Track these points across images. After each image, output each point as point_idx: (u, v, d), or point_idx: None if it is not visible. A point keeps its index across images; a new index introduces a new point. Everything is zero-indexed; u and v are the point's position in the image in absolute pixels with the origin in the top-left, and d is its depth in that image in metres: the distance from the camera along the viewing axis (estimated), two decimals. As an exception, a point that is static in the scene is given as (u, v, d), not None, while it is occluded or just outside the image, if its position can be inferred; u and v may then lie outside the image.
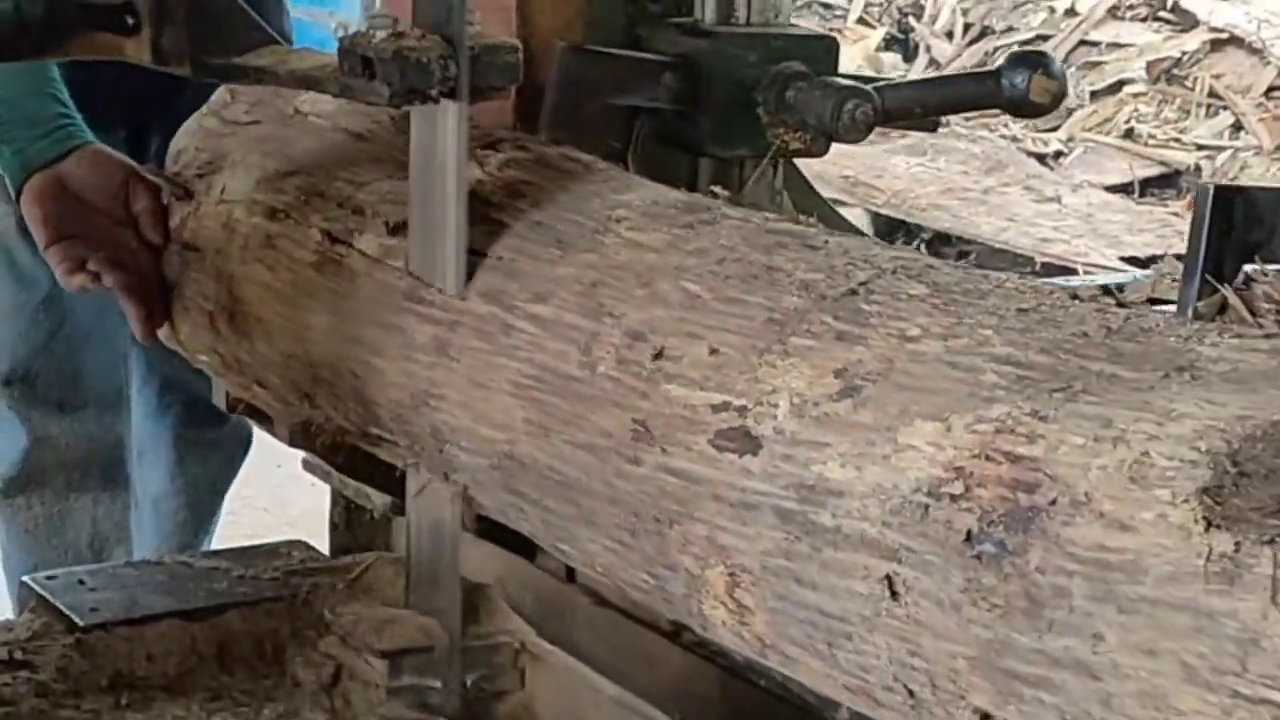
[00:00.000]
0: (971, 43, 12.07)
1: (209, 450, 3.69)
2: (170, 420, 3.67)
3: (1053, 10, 11.84)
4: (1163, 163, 9.79)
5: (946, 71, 11.06)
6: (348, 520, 2.98)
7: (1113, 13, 11.54)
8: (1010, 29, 11.91)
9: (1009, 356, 1.46)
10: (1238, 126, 10.23)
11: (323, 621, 2.10)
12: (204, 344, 2.41)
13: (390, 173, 2.15)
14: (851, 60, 13.14)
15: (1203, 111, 10.39)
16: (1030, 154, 9.94)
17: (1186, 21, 11.05)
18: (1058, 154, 10.07)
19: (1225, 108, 10.38)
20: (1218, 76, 10.56)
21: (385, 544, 2.95)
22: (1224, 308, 1.85)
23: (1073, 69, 11.03)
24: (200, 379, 3.11)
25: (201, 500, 3.80)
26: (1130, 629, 1.25)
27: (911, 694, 1.43)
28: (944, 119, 2.62)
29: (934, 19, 12.53)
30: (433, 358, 1.93)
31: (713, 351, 1.63)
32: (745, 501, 1.55)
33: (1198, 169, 9.75)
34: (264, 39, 2.25)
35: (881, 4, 13.23)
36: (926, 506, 1.40)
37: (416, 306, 1.97)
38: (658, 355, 1.67)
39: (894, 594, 1.41)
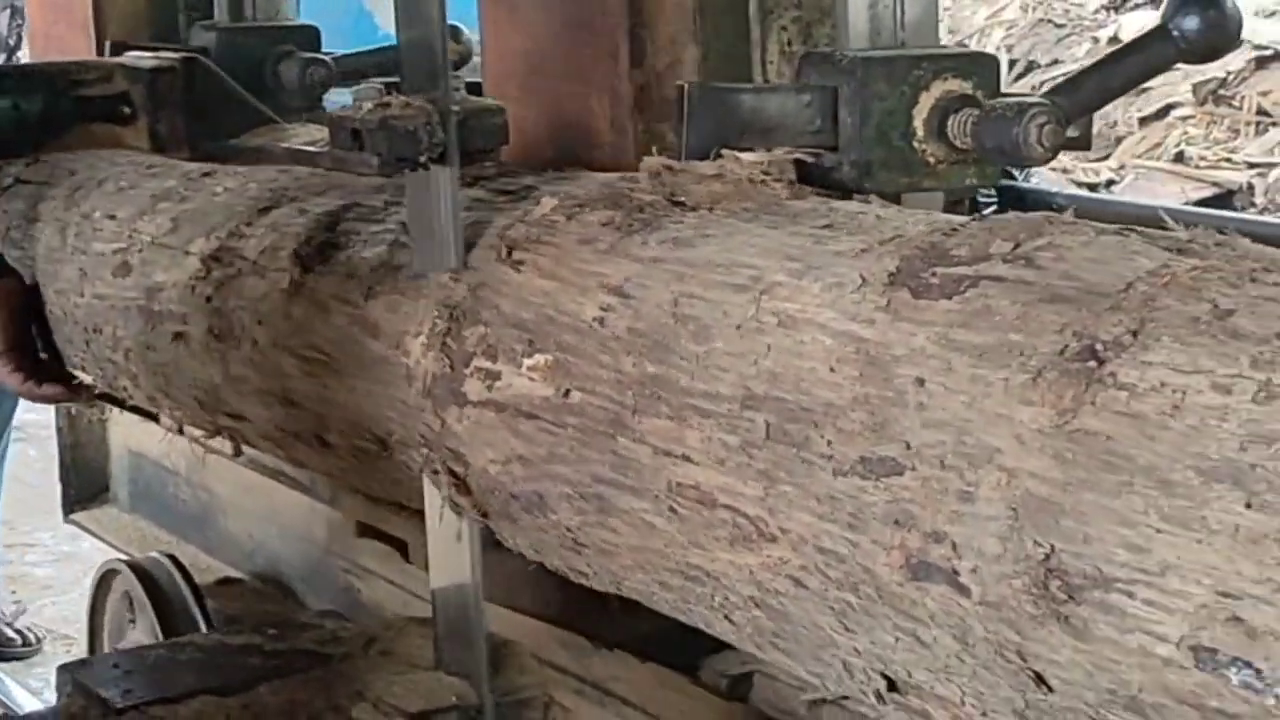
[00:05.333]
0: (1018, 77, 11.89)
1: None
2: None
3: (1096, 40, 11.73)
4: (1215, 183, 9.72)
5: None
6: (70, 423, 3.92)
7: None
8: (1055, 61, 11.82)
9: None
10: None
11: (353, 689, 2.10)
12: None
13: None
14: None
15: (1252, 129, 10.30)
16: (1081, 184, 9.78)
17: None
18: (1110, 182, 10.00)
19: (1274, 124, 10.27)
20: (1264, 93, 10.44)
21: (102, 442, 3.89)
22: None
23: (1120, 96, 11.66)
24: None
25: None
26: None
27: None
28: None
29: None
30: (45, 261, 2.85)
31: (112, 217, 2.57)
32: (126, 308, 2.48)
33: (1250, 187, 9.63)
34: (258, 119, 2.46)
35: None
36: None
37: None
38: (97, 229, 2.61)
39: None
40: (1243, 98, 10.55)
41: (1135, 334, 1.30)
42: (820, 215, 1.72)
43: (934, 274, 1.46)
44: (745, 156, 1.91)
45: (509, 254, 1.85)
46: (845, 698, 1.99)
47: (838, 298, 1.51)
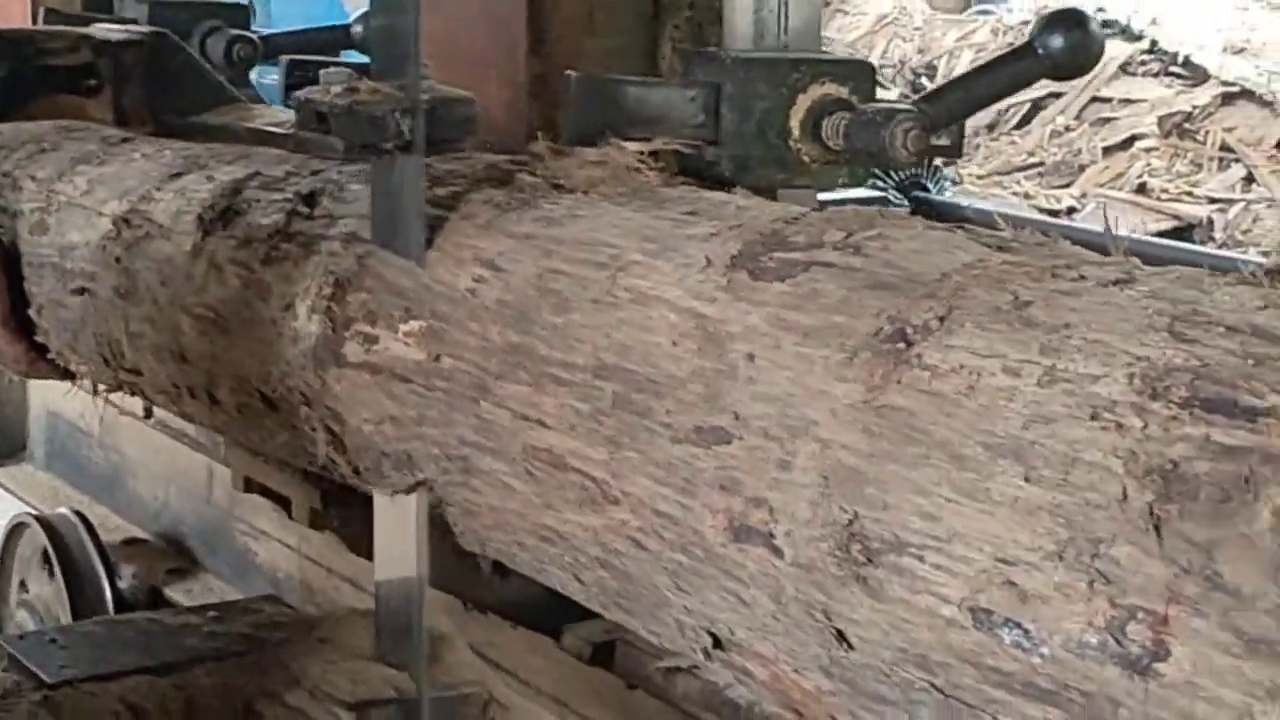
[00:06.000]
0: None
1: None
2: None
3: None
4: (1175, 216, 9.75)
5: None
6: (-11, 381, 3.99)
7: (1124, 69, 11.53)
8: None
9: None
10: (1250, 179, 10.21)
11: (291, 675, 2.09)
12: None
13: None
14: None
15: (1214, 165, 10.39)
16: (1043, 210, 9.82)
17: (1197, 76, 11.09)
18: (1071, 210, 10.02)
19: (1237, 160, 10.37)
20: (1229, 130, 10.56)
21: (22, 401, 3.96)
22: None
23: (1086, 125, 11.08)
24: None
25: None
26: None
27: None
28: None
29: (947, 79, 13.18)
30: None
31: (32, 178, 2.65)
32: (41, 265, 2.56)
33: (1210, 222, 9.69)
34: (224, 96, 2.41)
35: (895, 66, 13.31)
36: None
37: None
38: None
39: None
40: (1207, 132, 10.67)
41: (942, 319, 1.40)
42: (687, 202, 1.82)
43: (771, 258, 1.56)
44: (629, 145, 2.00)
45: (394, 225, 1.94)
46: (696, 666, 2.09)
47: (685, 277, 1.61)
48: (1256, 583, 1.15)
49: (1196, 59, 11.28)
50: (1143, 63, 11.65)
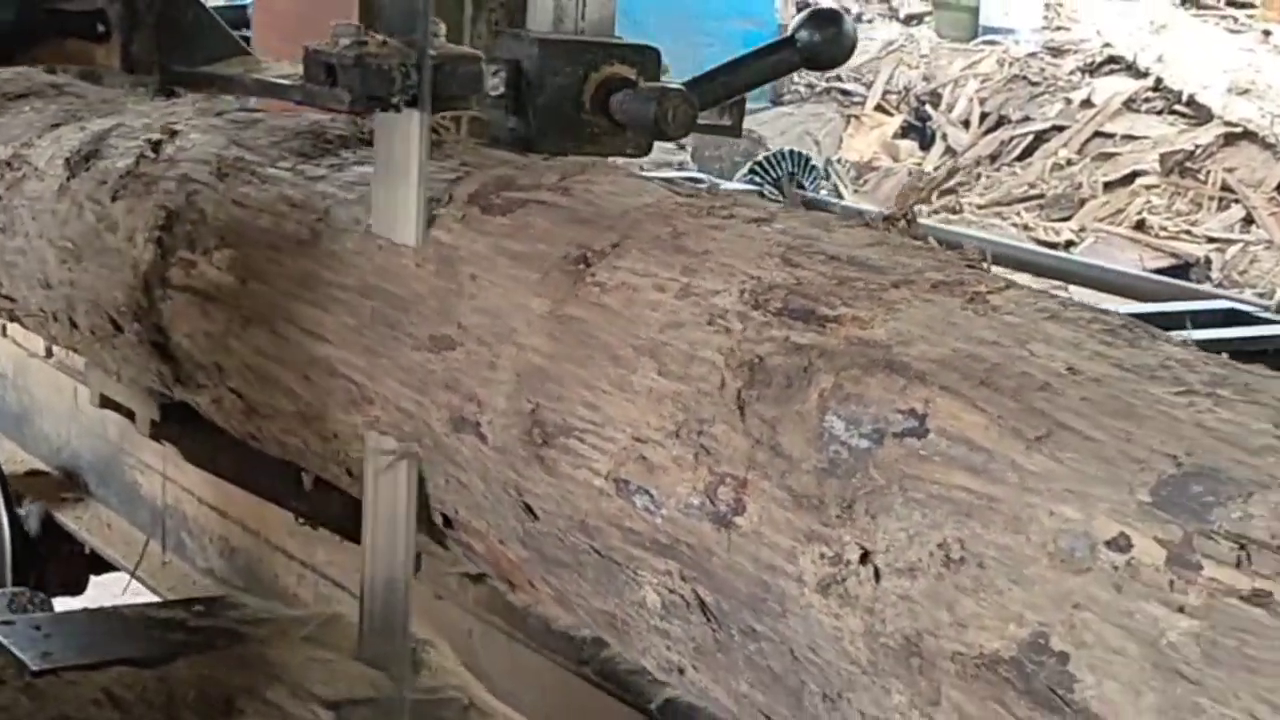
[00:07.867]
0: (988, 131, 12.24)
1: None
2: None
3: (1069, 101, 11.99)
4: (1173, 254, 9.86)
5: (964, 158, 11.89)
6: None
7: (1128, 105, 11.70)
8: (1026, 118, 12.04)
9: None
10: (1249, 220, 10.36)
11: (272, 672, 2.08)
12: None
13: None
14: (868, 147, 12.82)
15: (1214, 204, 10.55)
16: (1042, 243, 9.82)
17: (1201, 115, 11.24)
18: (1069, 243, 10.11)
19: (1237, 201, 10.52)
20: (1230, 170, 10.72)
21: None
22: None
23: (1088, 159, 11.19)
24: None
25: None
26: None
27: None
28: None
29: (951, 107, 12.65)
30: None
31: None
32: None
33: (1208, 261, 9.81)
34: (233, 49, 2.41)
35: (899, 92, 13.36)
36: None
37: None
38: None
39: None
40: (1208, 172, 10.83)
41: (615, 246, 1.70)
42: (465, 155, 2.11)
43: (499, 196, 1.85)
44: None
45: (218, 169, 2.23)
46: (484, 575, 2.37)
47: (431, 211, 1.91)
48: (803, 449, 1.44)
49: (1201, 98, 11.42)
50: (1147, 100, 11.82)
